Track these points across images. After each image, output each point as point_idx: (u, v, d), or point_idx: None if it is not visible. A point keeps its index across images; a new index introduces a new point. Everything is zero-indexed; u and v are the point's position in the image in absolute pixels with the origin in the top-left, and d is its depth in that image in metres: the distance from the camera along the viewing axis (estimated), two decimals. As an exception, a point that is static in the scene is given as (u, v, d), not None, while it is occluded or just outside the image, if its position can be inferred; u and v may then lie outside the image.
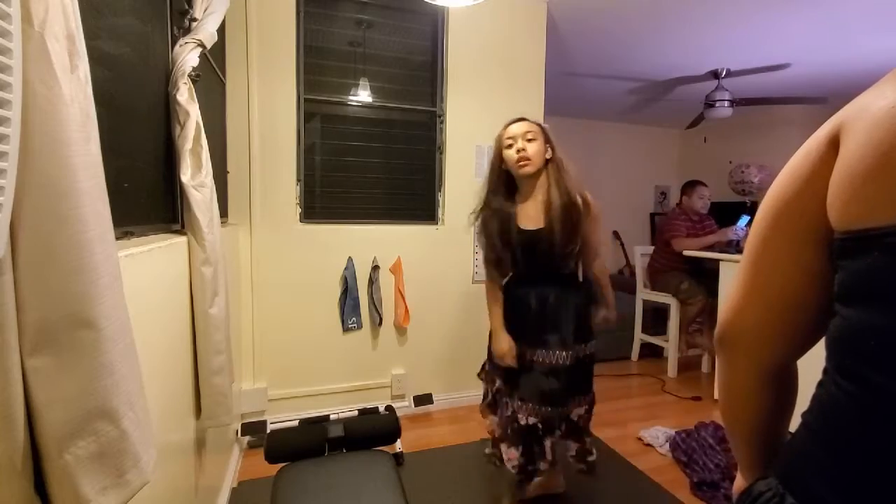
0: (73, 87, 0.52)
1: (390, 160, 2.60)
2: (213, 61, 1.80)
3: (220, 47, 2.01)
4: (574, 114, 5.20)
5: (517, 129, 1.56)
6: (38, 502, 0.51)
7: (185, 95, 1.16)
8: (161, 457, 0.81)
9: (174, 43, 1.22)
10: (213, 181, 1.28)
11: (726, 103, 3.74)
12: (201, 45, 1.23)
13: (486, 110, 2.70)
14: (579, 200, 1.52)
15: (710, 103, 3.80)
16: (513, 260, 1.61)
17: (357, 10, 2.48)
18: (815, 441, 0.44)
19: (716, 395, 2.84)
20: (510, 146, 1.55)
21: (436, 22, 2.61)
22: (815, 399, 0.45)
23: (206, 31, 1.27)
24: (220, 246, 1.30)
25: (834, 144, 0.43)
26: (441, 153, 2.65)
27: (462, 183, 2.68)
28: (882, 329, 0.37)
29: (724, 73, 3.72)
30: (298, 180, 2.40)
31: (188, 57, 1.18)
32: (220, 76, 2.05)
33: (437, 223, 2.67)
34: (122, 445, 0.55)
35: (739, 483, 0.63)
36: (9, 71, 0.43)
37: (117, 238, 0.67)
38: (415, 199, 2.66)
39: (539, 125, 1.59)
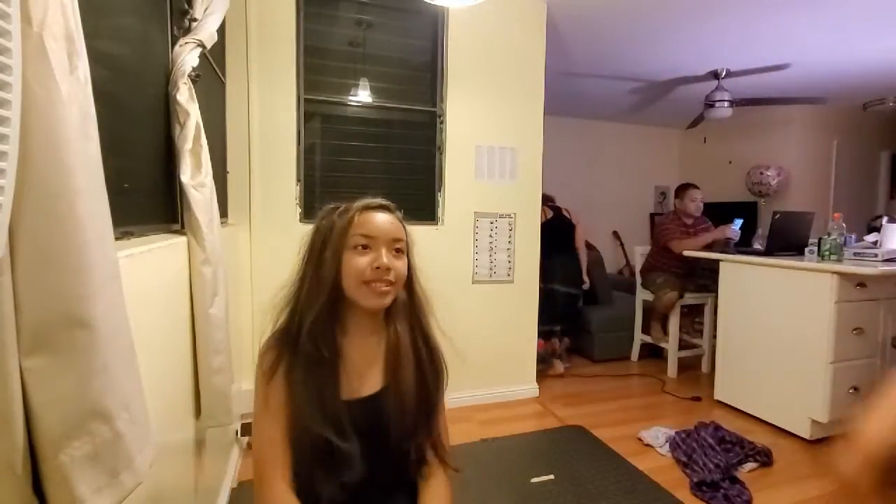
0: (71, 87, 0.51)
1: (390, 160, 2.60)
2: (213, 61, 1.80)
3: (220, 47, 2.01)
4: (574, 114, 5.20)
5: (383, 225, 0.90)
6: (36, 503, 0.51)
7: (185, 95, 1.16)
8: (161, 457, 0.81)
9: (174, 43, 1.22)
10: (212, 181, 1.28)
11: (726, 103, 3.74)
12: (201, 45, 1.23)
13: (486, 110, 2.70)
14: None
15: (710, 103, 3.79)
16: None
17: (357, 10, 2.48)
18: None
19: (717, 396, 2.84)
20: (363, 249, 0.89)
21: (436, 22, 2.61)
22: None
23: (206, 31, 1.27)
24: (220, 246, 1.30)
25: None
26: (441, 153, 2.65)
27: (462, 183, 2.68)
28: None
29: (724, 73, 3.72)
30: (298, 180, 2.40)
31: (188, 57, 1.17)
32: (220, 76, 2.05)
33: (437, 223, 2.67)
34: (115, 447, 0.55)
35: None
36: (8, 70, 0.43)
37: (117, 238, 0.67)
38: (415, 199, 2.66)
39: (406, 228, 0.97)
